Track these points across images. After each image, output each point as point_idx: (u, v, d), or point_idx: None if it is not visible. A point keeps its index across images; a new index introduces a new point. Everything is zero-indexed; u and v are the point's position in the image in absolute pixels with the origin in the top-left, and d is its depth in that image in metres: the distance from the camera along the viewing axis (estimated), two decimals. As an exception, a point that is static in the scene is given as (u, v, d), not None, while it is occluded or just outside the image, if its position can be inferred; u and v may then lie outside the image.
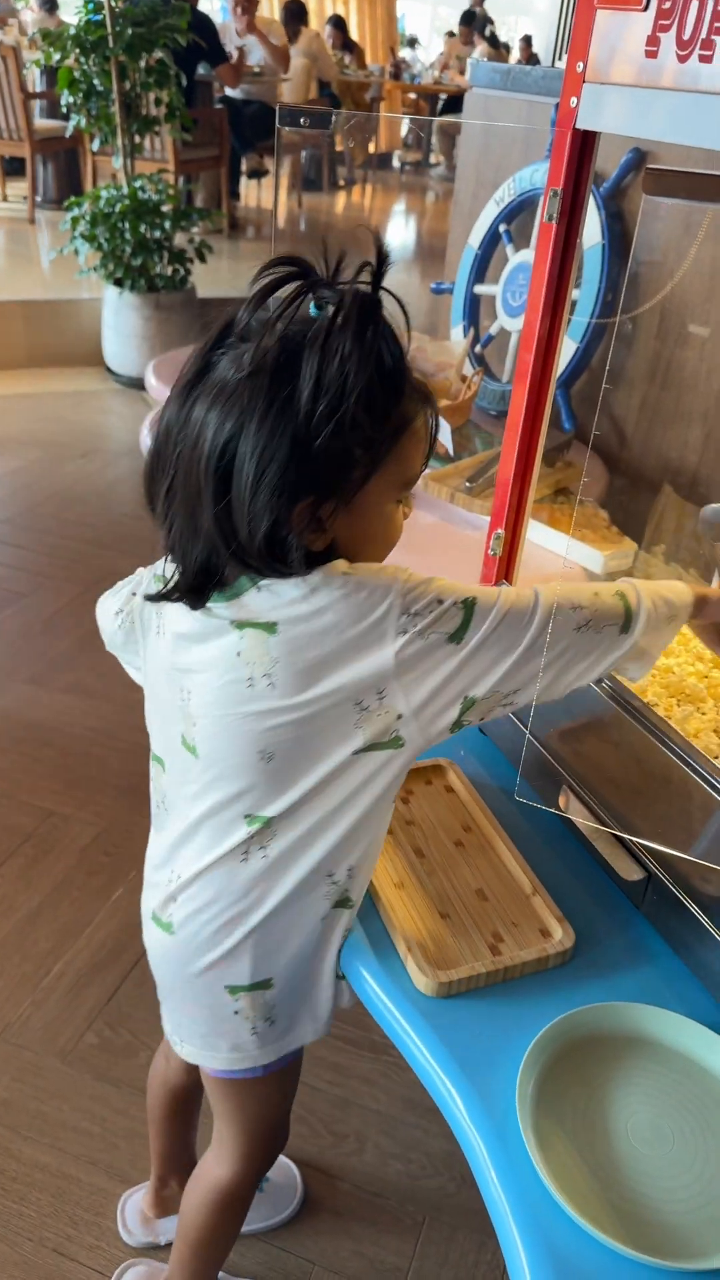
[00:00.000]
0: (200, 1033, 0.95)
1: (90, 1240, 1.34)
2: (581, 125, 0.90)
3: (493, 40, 9.82)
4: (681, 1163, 0.78)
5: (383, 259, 0.75)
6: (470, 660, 0.79)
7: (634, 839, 0.98)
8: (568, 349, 1.97)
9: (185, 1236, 1.13)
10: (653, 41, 0.81)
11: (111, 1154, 1.43)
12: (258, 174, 7.09)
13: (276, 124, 1.07)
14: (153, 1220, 1.33)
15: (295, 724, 0.80)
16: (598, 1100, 0.82)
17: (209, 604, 0.81)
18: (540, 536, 1.65)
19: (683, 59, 0.78)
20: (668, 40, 0.80)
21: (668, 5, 0.79)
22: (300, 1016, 0.96)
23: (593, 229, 1.89)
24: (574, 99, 0.90)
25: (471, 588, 0.80)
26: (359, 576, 0.78)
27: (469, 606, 0.78)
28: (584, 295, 1.92)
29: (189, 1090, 1.23)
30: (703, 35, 0.76)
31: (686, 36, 0.78)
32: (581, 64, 0.89)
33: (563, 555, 1.59)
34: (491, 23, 9.92)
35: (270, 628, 0.79)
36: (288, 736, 0.81)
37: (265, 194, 7.48)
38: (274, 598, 0.79)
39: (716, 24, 0.75)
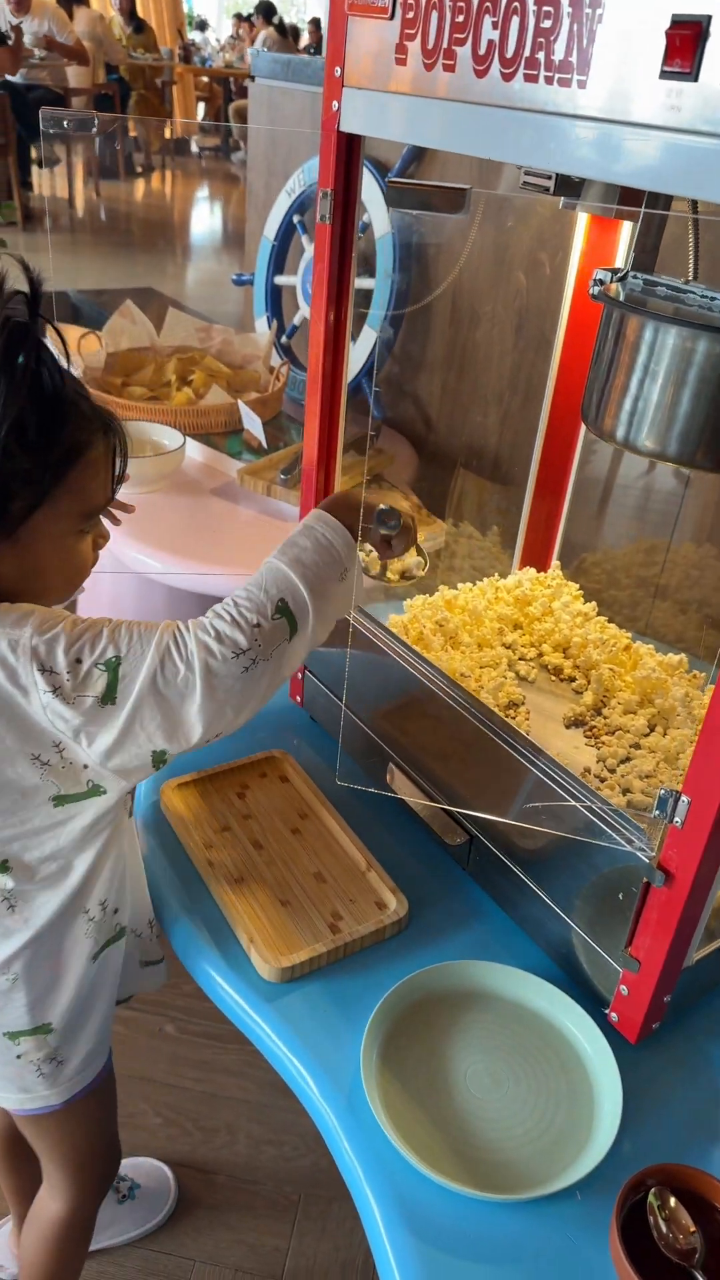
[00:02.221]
0: None
1: (-41, 1281, 1.30)
2: (344, 128, 0.93)
3: (279, 26, 9.79)
4: (516, 1101, 0.84)
5: (36, 285, 0.73)
6: (136, 718, 0.75)
7: (452, 808, 1.04)
8: (369, 339, 2.02)
9: (29, 1276, 1.12)
10: (401, 49, 0.85)
11: (-25, 1190, 1.39)
12: (50, 162, 6.83)
13: (40, 125, 1.05)
14: (24, 1250, 1.31)
15: None
16: (439, 1057, 0.87)
17: None
18: (356, 523, 1.70)
19: (429, 67, 0.82)
20: (414, 49, 0.83)
21: (411, 15, 0.83)
22: (90, 1053, 0.96)
23: (381, 219, 1.94)
24: (335, 103, 0.93)
25: (124, 636, 0.75)
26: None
27: (113, 668, 0.74)
28: (379, 285, 1.97)
29: (14, 1126, 1.22)
30: (444, 45, 0.80)
31: (430, 46, 0.82)
32: (339, 69, 0.92)
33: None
34: (275, 11, 9.89)
35: None
36: None
37: (60, 183, 7.21)
38: None
39: (457, 35, 0.79)
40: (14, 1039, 0.90)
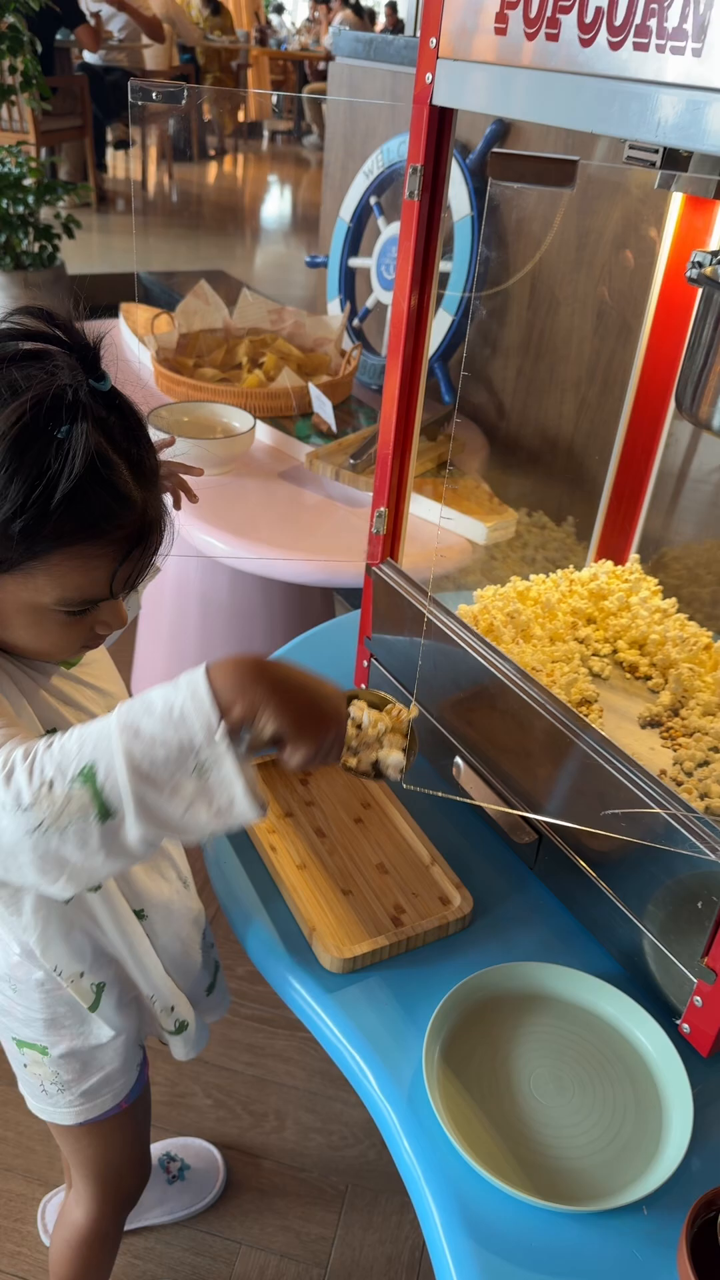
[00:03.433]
0: (14, 1069, 0.95)
1: (11, 1247, 1.31)
2: (438, 102, 0.90)
3: (356, 8, 9.72)
4: (581, 1110, 0.81)
5: (93, 350, 0.65)
6: None
7: (523, 811, 1.01)
8: (443, 322, 1.99)
9: (54, 1275, 1.12)
10: (501, 19, 0.82)
11: (28, 1158, 1.41)
12: (124, 144, 6.87)
13: (129, 96, 1.03)
14: (74, 1220, 1.32)
15: None
16: (501, 1059, 0.85)
17: None
18: (425, 511, 1.67)
19: (530, 37, 0.79)
20: (516, 18, 0.80)
21: (514, -18, 0.80)
22: (99, 1084, 0.94)
23: (460, 200, 1.90)
24: (429, 75, 0.90)
25: None
26: None
27: None
28: (456, 268, 1.93)
29: None
30: (548, 14, 0.77)
31: (533, 15, 0.79)
32: (434, 40, 0.89)
33: (446, 529, 1.61)
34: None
35: None
36: None
37: (134, 165, 7.26)
38: None
39: (562, 3, 0.76)
40: (20, 1046, 0.91)
